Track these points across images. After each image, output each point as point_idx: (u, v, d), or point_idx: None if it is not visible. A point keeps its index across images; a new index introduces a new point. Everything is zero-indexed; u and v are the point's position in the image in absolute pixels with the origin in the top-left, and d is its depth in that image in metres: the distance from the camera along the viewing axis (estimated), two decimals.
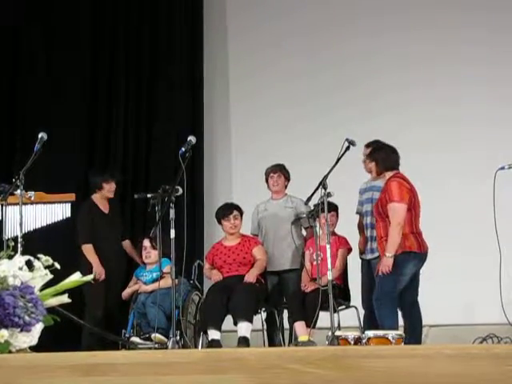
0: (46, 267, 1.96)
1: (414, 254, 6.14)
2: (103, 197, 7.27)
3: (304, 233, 7.13)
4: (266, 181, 7.22)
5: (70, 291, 2.00)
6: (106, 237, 7.11)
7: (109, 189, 7.26)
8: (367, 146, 6.75)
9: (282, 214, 7.09)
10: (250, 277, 6.80)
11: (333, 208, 6.68)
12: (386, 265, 6.04)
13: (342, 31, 8.70)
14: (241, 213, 7.12)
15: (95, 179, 7.30)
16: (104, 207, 7.26)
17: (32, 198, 6.44)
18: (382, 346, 4.91)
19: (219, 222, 7.17)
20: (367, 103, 8.42)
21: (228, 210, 7.10)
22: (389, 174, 6.26)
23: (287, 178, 7.22)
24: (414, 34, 8.46)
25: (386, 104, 8.36)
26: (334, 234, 6.85)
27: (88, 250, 7.01)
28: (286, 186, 7.23)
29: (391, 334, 5.46)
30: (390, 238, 6.06)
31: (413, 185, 6.25)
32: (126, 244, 7.45)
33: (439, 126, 8.17)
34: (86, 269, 6.62)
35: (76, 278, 2.02)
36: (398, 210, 6.10)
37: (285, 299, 6.92)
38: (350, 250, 6.87)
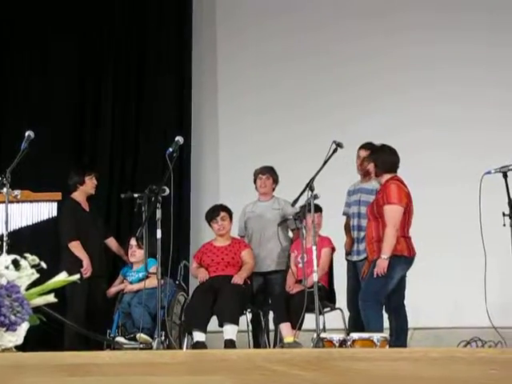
0: (33, 266, 1.95)
1: (404, 259, 6.14)
2: (84, 194, 7.22)
3: (291, 234, 7.14)
4: (254, 181, 7.22)
5: (52, 290, 2.00)
6: (88, 235, 7.08)
7: (91, 184, 7.22)
8: (363, 147, 6.73)
9: (269, 216, 7.10)
10: (238, 279, 6.81)
11: (318, 209, 6.69)
12: (382, 266, 6.00)
13: (337, 33, 8.65)
14: (229, 214, 7.12)
15: (77, 177, 7.24)
16: (85, 205, 7.23)
17: (18, 197, 6.40)
18: (368, 349, 4.93)
19: (209, 225, 7.19)
20: (359, 105, 8.39)
21: (215, 212, 7.12)
22: (387, 176, 6.23)
23: (275, 181, 7.22)
24: (410, 35, 8.39)
25: (378, 106, 8.33)
26: (317, 234, 6.86)
27: (76, 246, 6.97)
28: (273, 189, 7.24)
29: (376, 336, 5.46)
30: (387, 240, 6.04)
31: (409, 190, 6.25)
32: (111, 242, 7.43)
33: (432, 127, 8.11)
34: (72, 267, 6.56)
35: (62, 277, 2.01)
36: (395, 212, 6.10)
37: (270, 300, 6.92)
38: (333, 249, 6.87)
